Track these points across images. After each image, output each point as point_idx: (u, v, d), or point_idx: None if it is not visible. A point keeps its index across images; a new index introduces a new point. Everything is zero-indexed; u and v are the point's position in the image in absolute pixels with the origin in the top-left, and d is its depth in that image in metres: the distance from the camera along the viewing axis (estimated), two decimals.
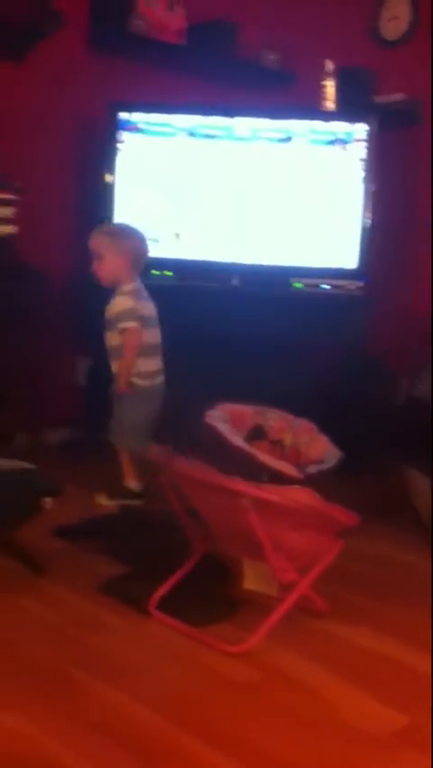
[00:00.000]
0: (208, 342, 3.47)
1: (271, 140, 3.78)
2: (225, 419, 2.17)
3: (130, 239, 3.08)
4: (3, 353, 3.42)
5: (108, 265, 3.05)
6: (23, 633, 2.15)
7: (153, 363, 3.09)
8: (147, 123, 3.77)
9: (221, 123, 3.79)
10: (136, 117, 3.75)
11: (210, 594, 2.32)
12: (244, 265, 3.79)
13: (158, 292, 3.17)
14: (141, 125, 3.76)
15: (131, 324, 3.01)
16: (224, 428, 2.12)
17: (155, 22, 3.84)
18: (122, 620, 2.24)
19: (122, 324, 3.01)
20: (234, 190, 3.79)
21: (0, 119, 3.35)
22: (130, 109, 3.75)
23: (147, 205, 3.76)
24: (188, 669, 2.03)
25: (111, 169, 3.75)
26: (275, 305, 3.69)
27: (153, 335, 3.10)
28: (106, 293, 3.08)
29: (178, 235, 3.77)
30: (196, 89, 3.98)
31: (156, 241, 3.60)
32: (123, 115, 3.74)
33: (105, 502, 3.07)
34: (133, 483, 3.09)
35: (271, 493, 2.02)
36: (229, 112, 3.80)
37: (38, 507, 2.43)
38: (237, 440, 2.11)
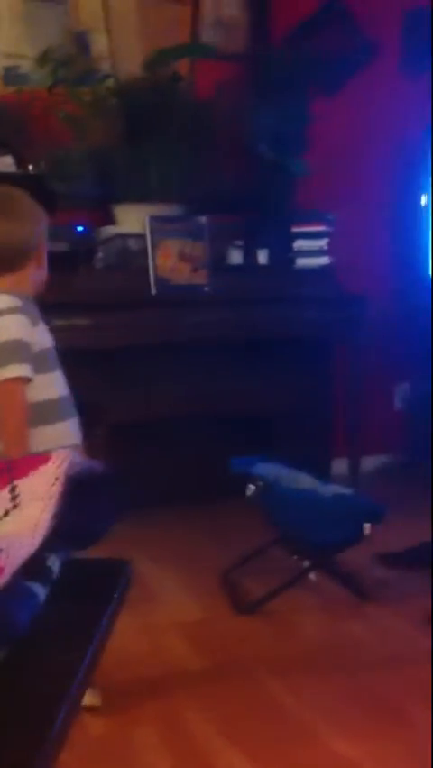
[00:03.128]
0: None
1: None
2: None
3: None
4: (324, 380, 3.46)
5: None
6: (356, 661, 2.14)
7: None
8: None
9: None
10: None
11: None
12: None
13: None
14: None
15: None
16: None
17: None
18: None
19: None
20: None
21: (314, 153, 3.40)
22: None
23: None
24: None
25: (427, 190, 3.69)
26: None
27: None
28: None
29: None
30: None
31: None
32: None
33: None
34: None
35: None
36: None
37: (360, 532, 2.42)
38: None
